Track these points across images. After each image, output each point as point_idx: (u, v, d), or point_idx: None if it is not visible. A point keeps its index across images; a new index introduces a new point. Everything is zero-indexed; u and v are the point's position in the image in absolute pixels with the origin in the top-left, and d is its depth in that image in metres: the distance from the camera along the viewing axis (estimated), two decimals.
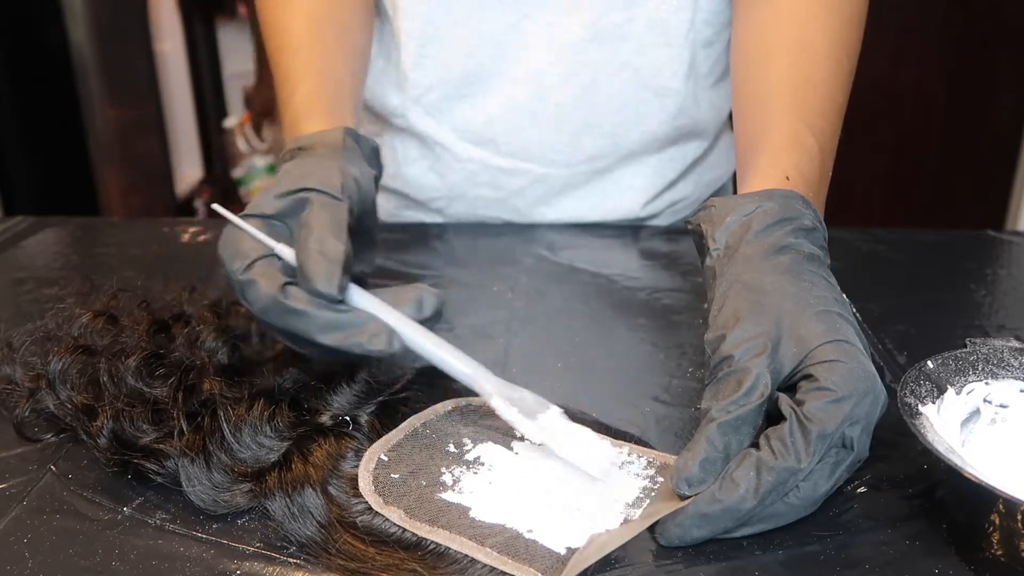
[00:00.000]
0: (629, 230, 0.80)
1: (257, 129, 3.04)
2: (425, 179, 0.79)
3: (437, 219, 0.82)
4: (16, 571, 0.38)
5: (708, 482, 0.40)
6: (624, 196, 0.79)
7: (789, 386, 0.42)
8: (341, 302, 0.45)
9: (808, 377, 0.41)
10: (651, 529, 0.41)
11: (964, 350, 0.45)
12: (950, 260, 0.75)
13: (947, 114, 2.26)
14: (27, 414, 0.49)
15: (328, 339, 0.45)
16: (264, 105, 2.99)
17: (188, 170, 3.34)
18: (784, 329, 0.42)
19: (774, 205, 0.48)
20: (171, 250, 0.76)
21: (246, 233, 0.47)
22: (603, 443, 0.46)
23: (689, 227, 0.52)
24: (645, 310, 0.64)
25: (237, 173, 3.08)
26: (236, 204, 3.57)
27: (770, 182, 0.51)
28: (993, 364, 0.44)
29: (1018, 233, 0.82)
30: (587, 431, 0.45)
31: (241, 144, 3.02)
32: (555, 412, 0.45)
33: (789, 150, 0.54)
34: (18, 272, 0.71)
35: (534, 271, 0.71)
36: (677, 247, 0.76)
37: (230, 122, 3.04)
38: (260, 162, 3.08)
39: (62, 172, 2.49)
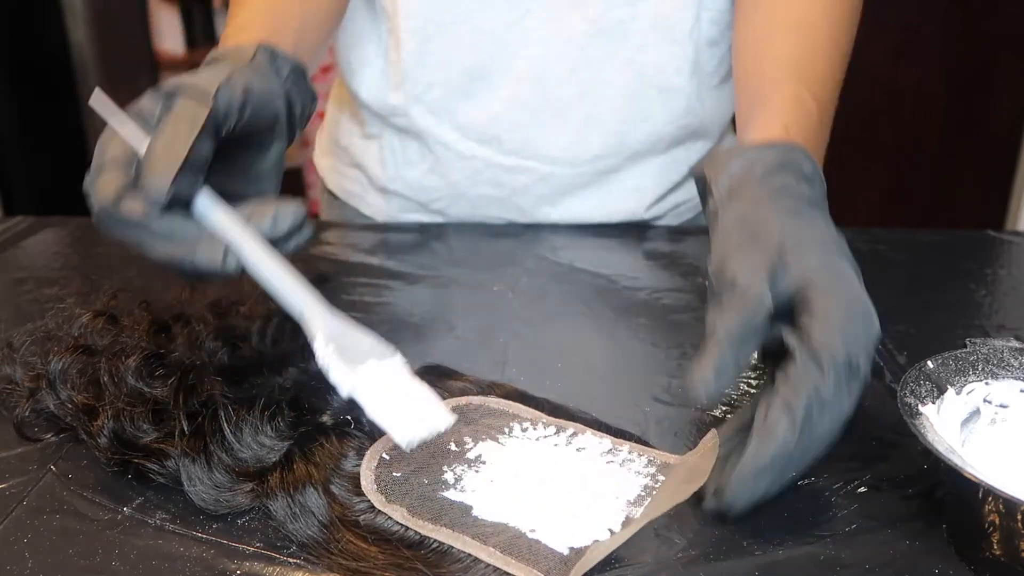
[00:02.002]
0: (629, 230, 0.80)
1: None
2: (426, 180, 0.79)
3: (438, 219, 0.82)
4: (16, 571, 0.38)
5: (723, 391, 0.43)
6: (628, 197, 0.79)
7: (786, 312, 0.44)
8: (176, 208, 0.42)
9: (807, 307, 0.42)
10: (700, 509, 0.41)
11: (964, 350, 0.45)
12: (950, 260, 0.75)
13: (947, 114, 2.26)
14: (27, 414, 0.49)
15: (158, 251, 0.43)
16: None
17: None
18: (783, 257, 0.44)
19: (775, 152, 0.50)
20: None
21: (118, 133, 0.44)
22: (438, 407, 0.43)
23: (694, 175, 0.54)
24: (645, 310, 0.65)
25: None
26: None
27: (771, 133, 0.53)
28: (993, 364, 0.45)
29: (1018, 233, 0.82)
30: (425, 389, 0.43)
31: None
32: (393, 362, 0.43)
33: (790, 107, 0.56)
34: (18, 272, 0.71)
35: (535, 271, 0.71)
36: (678, 247, 0.76)
37: None
38: None
39: (62, 172, 2.49)
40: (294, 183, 3.28)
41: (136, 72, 2.71)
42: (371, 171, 0.82)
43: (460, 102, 0.74)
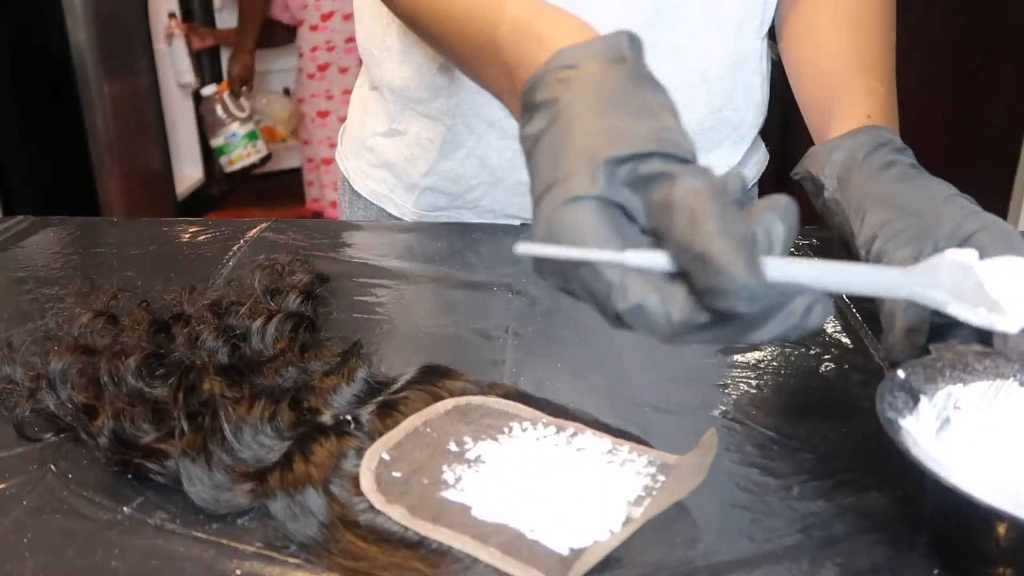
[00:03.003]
0: None
1: (235, 96, 3.00)
2: (463, 168, 0.77)
3: (469, 216, 0.81)
4: (16, 571, 0.38)
5: (915, 347, 0.47)
6: None
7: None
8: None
9: (983, 251, 0.41)
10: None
11: (930, 356, 0.45)
12: None
13: (947, 114, 2.26)
14: (27, 414, 0.49)
15: (769, 332, 0.34)
16: (242, 71, 2.96)
17: (188, 170, 3.35)
18: (925, 218, 0.48)
19: (868, 137, 0.55)
20: (171, 250, 0.76)
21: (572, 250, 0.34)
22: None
23: (797, 176, 0.58)
24: None
25: (217, 142, 3.05)
26: (238, 197, 3.56)
27: (855, 123, 0.57)
28: (959, 369, 0.45)
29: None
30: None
31: (220, 112, 3.00)
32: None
33: (865, 98, 0.61)
34: (18, 272, 0.71)
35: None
36: None
37: (207, 90, 3.00)
38: (240, 130, 3.05)
39: (62, 172, 2.50)
40: (293, 183, 3.29)
41: (136, 72, 2.71)
42: (398, 169, 0.81)
43: None
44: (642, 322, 0.34)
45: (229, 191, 3.49)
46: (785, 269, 0.33)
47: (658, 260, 0.34)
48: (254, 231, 0.78)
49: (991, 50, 2.19)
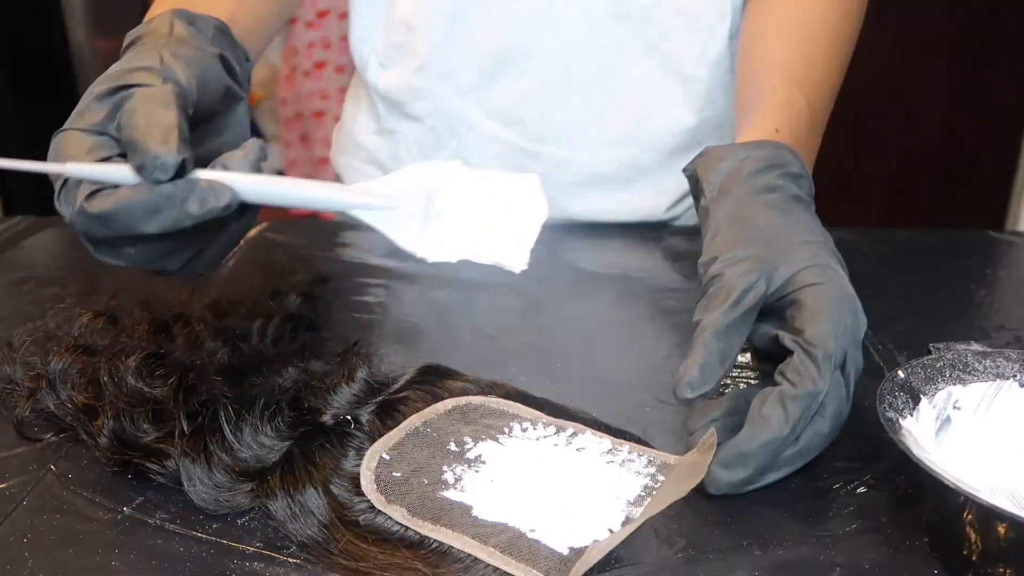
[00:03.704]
0: (630, 230, 0.80)
1: None
2: None
3: None
4: (16, 571, 0.38)
5: (708, 385, 0.43)
6: (648, 198, 0.79)
7: (777, 309, 0.45)
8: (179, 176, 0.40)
9: (796, 303, 0.44)
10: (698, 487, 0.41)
11: (931, 356, 0.45)
12: (950, 260, 0.75)
13: (947, 114, 2.26)
14: (27, 414, 0.49)
15: (157, 223, 0.40)
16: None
17: None
18: (771, 253, 0.46)
19: (764, 152, 0.52)
20: None
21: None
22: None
23: (686, 173, 0.55)
24: (646, 310, 0.65)
25: None
26: None
27: (761, 134, 0.55)
28: (959, 369, 0.45)
29: (1018, 233, 0.82)
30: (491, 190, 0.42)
31: None
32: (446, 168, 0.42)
33: (781, 110, 0.58)
34: (18, 272, 0.71)
35: (534, 271, 0.71)
36: (679, 247, 0.76)
37: None
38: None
39: None
40: None
41: None
42: (388, 167, 0.82)
43: (487, 83, 0.74)
44: (63, 198, 0.41)
45: None
46: (218, 175, 0.41)
47: (93, 171, 0.41)
48: (254, 231, 0.78)
49: (990, 50, 2.19)
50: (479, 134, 0.76)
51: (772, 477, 0.43)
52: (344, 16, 2.69)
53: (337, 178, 0.89)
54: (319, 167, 2.97)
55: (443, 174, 0.43)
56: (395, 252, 0.75)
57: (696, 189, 0.53)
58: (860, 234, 0.79)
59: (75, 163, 0.41)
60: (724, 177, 0.52)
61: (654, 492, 0.43)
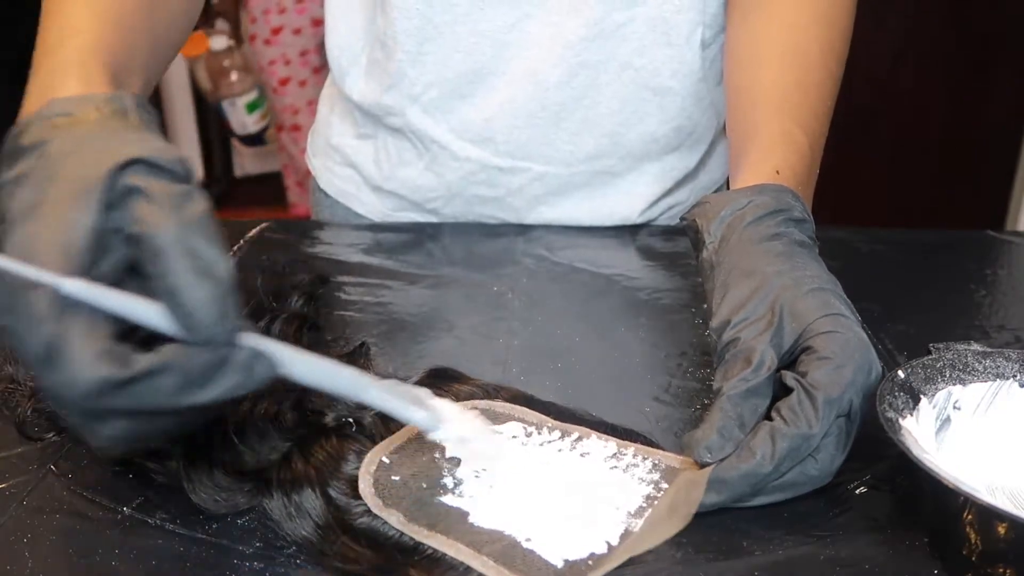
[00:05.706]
0: (628, 230, 0.80)
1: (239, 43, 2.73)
2: (421, 180, 0.79)
3: (432, 219, 0.82)
4: (16, 571, 0.38)
5: (727, 449, 0.42)
6: (622, 202, 0.79)
7: (791, 360, 0.44)
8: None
9: (808, 350, 0.43)
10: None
11: (931, 356, 0.45)
12: (950, 260, 0.75)
13: (947, 114, 2.26)
14: (28, 413, 0.49)
15: (214, 392, 0.33)
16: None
17: None
18: (782, 308, 0.45)
19: (766, 198, 0.51)
20: None
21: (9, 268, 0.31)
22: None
23: (684, 223, 0.54)
24: (645, 310, 0.65)
25: (251, 97, 2.68)
26: (237, 197, 3.54)
27: (761, 176, 0.54)
28: (959, 369, 0.45)
29: (1018, 233, 0.82)
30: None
31: (239, 62, 2.71)
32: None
33: (780, 147, 0.57)
34: None
35: (534, 271, 0.71)
36: (677, 247, 0.76)
37: (219, 43, 2.53)
38: (257, 84, 2.77)
39: None
40: (274, 185, 3.26)
41: None
42: (365, 170, 0.82)
43: (456, 103, 0.74)
44: (55, 366, 0.30)
45: (228, 191, 3.48)
46: (267, 345, 0.34)
47: (108, 299, 0.29)
48: (254, 231, 0.77)
49: (991, 50, 2.19)
50: (449, 153, 0.76)
51: (756, 501, 0.42)
52: (298, 32, 2.61)
53: (313, 179, 0.89)
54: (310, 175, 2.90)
55: (492, 447, 0.44)
56: (396, 252, 0.75)
57: (696, 239, 0.53)
58: (859, 233, 0.79)
59: (83, 282, 0.30)
60: (725, 227, 0.51)
61: (655, 503, 0.42)
